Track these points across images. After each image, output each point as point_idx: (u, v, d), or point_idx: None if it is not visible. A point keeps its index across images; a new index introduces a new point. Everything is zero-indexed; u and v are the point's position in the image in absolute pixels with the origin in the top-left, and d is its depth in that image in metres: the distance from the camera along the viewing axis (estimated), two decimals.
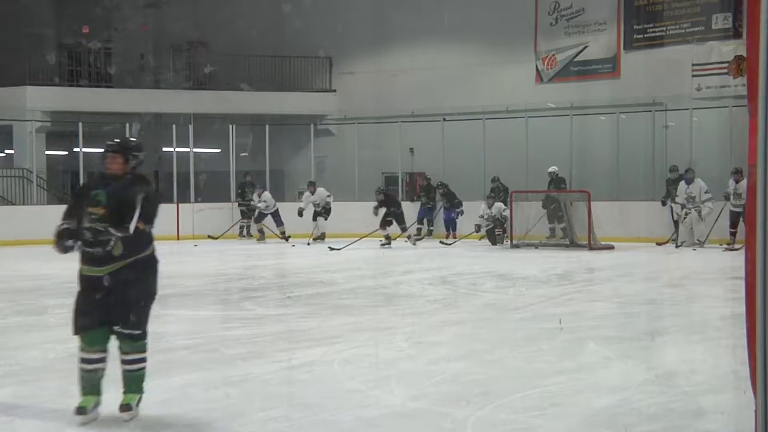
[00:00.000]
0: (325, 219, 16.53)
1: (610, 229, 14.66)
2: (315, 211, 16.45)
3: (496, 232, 15.34)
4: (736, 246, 13.02)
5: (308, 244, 15.67)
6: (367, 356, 5.59)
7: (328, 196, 16.43)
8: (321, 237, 16.41)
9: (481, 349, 5.79)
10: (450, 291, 9.21)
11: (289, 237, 16.30)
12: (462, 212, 16.47)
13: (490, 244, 15.33)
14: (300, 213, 16.12)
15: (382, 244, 15.07)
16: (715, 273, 10.69)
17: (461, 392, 4.49)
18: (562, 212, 15.22)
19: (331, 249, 14.25)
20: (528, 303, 8.11)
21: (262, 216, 16.83)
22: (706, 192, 13.95)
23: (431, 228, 17.23)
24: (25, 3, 18.68)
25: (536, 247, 14.37)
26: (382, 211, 15.19)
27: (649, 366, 5.27)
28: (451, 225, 16.82)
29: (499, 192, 16.30)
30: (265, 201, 16.76)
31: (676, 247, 13.99)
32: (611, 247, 13.89)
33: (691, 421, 3.99)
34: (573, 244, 14.26)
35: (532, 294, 8.82)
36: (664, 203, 14.95)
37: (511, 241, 14.77)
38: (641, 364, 5.34)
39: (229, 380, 4.78)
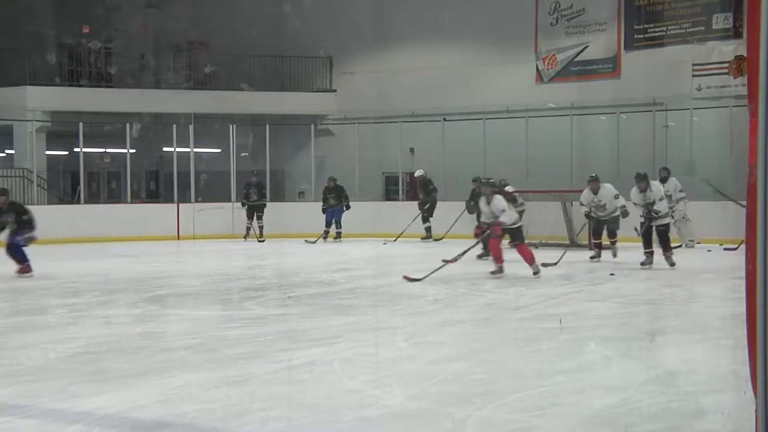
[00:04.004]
0: None
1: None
2: None
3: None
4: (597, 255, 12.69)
5: None
6: (367, 356, 5.59)
7: None
8: None
9: (481, 349, 5.78)
10: (450, 291, 9.19)
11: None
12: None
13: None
14: None
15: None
16: (715, 273, 10.69)
17: (461, 392, 4.49)
18: (427, 213, 15.98)
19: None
20: (528, 303, 8.11)
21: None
22: (680, 191, 13.88)
23: (339, 230, 16.64)
24: (25, 3, 18.70)
25: (536, 247, 14.33)
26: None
27: (649, 366, 5.26)
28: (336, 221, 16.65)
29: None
30: None
31: None
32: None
33: (691, 421, 3.99)
34: (573, 244, 14.24)
35: (532, 294, 8.80)
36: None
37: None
38: (641, 364, 5.34)
39: (229, 380, 4.77)
